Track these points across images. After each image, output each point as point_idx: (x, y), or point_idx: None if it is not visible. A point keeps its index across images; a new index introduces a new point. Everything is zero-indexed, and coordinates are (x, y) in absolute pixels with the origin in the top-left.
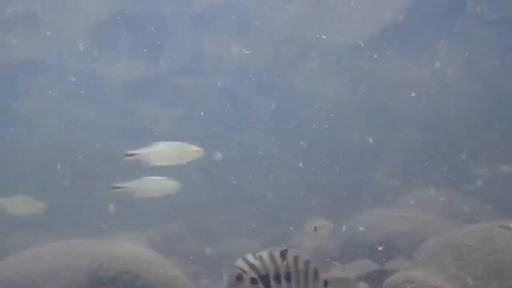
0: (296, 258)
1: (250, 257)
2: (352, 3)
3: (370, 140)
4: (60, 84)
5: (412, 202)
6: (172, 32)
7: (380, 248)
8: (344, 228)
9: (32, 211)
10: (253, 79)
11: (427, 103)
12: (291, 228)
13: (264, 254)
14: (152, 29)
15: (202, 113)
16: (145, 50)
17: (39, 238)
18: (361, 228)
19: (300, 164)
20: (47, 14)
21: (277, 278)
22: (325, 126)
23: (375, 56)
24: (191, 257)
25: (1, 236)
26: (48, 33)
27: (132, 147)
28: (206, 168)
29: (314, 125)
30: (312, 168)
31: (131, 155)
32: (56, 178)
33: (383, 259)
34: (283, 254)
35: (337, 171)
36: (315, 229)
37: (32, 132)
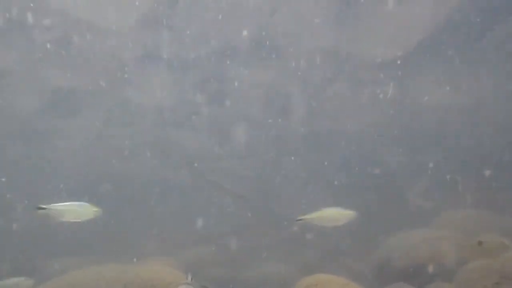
0: None
1: None
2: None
3: (406, 160)
4: None
5: (449, 223)
6: None
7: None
8: (379, 250)
9: (87, 217)
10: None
11: (465, 124)
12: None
13: None
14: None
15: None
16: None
17: (75, 263)
18: (397, 250)
19: (336, 183)
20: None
21: None
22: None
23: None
24: (223, 282)
25: (40, 261)
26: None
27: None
28: (236, 192)
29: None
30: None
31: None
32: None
33: (422, 282)
34: None
35: (371, 191)
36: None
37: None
